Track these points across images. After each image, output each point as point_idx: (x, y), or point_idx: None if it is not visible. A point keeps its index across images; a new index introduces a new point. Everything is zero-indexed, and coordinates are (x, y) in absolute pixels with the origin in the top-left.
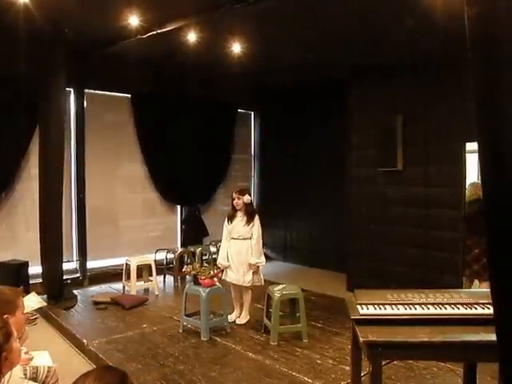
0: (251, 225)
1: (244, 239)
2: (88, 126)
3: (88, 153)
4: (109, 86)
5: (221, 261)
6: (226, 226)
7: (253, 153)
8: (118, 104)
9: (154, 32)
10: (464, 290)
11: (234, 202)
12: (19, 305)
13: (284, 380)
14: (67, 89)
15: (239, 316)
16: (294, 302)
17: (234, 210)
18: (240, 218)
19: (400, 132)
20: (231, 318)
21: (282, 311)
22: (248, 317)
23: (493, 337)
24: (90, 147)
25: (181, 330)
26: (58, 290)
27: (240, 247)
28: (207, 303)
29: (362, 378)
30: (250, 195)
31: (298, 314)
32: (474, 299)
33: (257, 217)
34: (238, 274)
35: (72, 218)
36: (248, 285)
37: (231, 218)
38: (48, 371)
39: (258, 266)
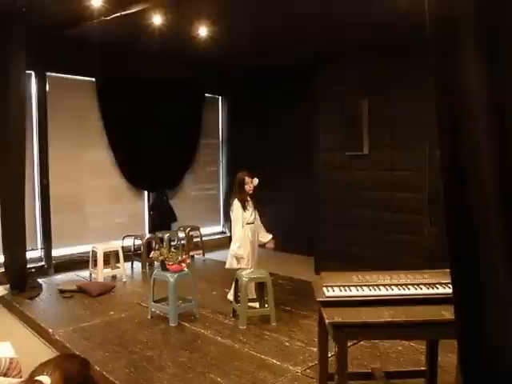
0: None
1: (253, 223)
2: (51, 110)
3: (51, 138)
4: (72, 69)
5: (244, 252)
6: (243, 214)
7: (221, 138)
8: (82, 88)
9: (118, 14)
10: (427, 270)
11: (247, 186)
12: None
13: (253, 363)
14: (27, 71)
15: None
16: (262, 285)
17: (247, 195)
18: (250, 202)
19: (366, 116)
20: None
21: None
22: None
23: (453, 315)
24: (53, 132)
25: (149, 317)
26: (21, 279)
27: (253, 231)
28: (175, 289)
29: (330, 359)
30: None
31: (266, 298)
32: (435, 279)
33: None
34: (253, 259)
35: (35, 205)
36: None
37: (245, 205)
38: (10, 363)
39: None
